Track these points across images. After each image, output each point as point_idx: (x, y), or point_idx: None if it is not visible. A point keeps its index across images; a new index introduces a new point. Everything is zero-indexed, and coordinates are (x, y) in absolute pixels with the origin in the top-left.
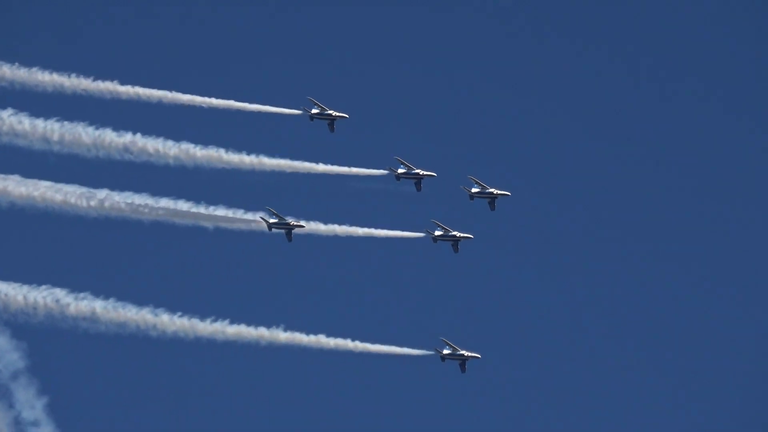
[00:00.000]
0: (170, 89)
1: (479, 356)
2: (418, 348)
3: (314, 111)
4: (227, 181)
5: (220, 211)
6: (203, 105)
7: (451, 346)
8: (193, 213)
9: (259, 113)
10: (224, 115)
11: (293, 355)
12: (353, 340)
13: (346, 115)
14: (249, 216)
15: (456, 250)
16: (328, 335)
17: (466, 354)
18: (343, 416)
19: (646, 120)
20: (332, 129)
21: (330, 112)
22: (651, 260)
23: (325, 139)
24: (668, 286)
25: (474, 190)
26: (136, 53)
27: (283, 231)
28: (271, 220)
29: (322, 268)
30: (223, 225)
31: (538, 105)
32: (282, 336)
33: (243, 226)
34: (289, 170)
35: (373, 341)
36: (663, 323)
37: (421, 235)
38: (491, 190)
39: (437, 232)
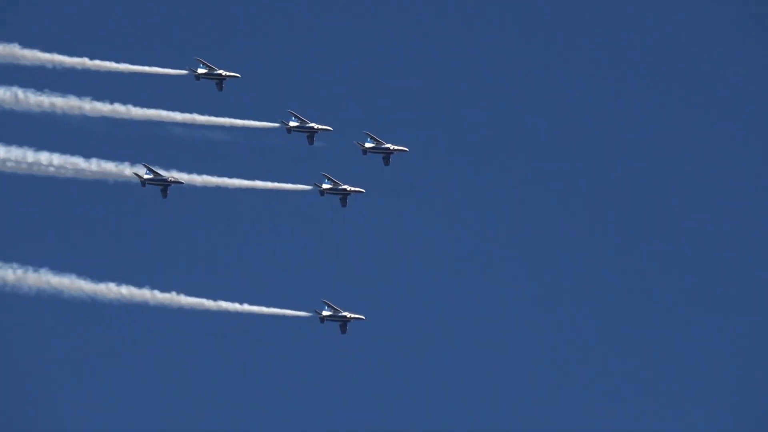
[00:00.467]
0: (60, 52)
1: (363, 318)
2: (299, 308)
3: (201, 71)
4: (108, 133)
5: (90, 164)
6: (92, 68)
7: (332, 308)
8: (67, 166)
9: (144, 74)
10: (108, 77)
11: (165, 316)
12: (229, 300)
13: (238, 75)
14: (123, 170)
15: (344, 204)
16: (201, 296)
17: (348, 315)
18: (217, 377)
19: (544, 71)
20: (220, 88)
21: (219, 71)
22: (547, 212)
23: (213, 97)
24: (559, 234)
25: (368, 145)
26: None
27: (158, 187)
28: (146, 176)
29: (200, 223)
30: (96, 178)
31: (440, 60)
32: (155, 296)
33: (119, 180)
34: (176, 122)
35: (250, 302)
36: (554, 280)
37: (309, 188)
38: (387, 145)
39: (325, 186)
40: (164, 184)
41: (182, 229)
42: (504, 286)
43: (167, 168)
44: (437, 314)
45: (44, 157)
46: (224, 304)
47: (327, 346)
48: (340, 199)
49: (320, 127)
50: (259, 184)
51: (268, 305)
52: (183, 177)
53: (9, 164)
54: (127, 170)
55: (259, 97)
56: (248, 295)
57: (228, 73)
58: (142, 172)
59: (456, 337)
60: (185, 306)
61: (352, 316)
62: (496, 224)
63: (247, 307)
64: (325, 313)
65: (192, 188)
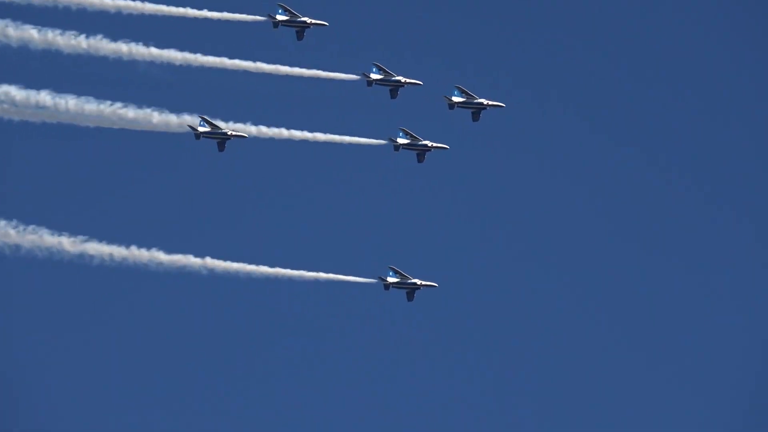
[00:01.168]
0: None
1: (436, 285)
2: (363, 275)
3: (281, 17)
4: (173, 83)
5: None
6: (166, 14)
7: (400, 274)
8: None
9: (222, 21)
10: (185, 24)
11: (221, 283)
12: (289, 267)
13: (325, 23)
14: (173, 121)
15: (420, 160)
16: (256, 262)
17: (419, 283)
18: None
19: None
20: (300, 37)
21: (304, 18)
22: (643, 175)
23: (292, 46)
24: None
25: (457, 99)
26: None
27: (215, 141)
28: (201, 129)
29: (256, 180)
30: (145, 130)
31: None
32: (206, 263)
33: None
34: (253, 71)
35: (309, 267)
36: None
37: (384, 142)
38: (480, 100)
39: (402, 140)
40: (222, 138)
41: (238, 186)
42: (593, 257)
43: (229, 121)
44: (519, 284)
45: (96, 107)
46: (279, 270)
47: (392, 315)
48: (417, 155)
49: (408, 80)
50: (323, 137)
51: (328, 271)
52: (243, 129)
53: (59, 113)
54: (177, 120)
55: (343, 48)
56: (307, 260)
57: (314, 21)
58: (197, 123)
59: (534, 311)
60: (239, 272)
61: (423, 283)
62: (587, 193)
63: (305, 273)
64: (391, 279)
65: (252, 142)
